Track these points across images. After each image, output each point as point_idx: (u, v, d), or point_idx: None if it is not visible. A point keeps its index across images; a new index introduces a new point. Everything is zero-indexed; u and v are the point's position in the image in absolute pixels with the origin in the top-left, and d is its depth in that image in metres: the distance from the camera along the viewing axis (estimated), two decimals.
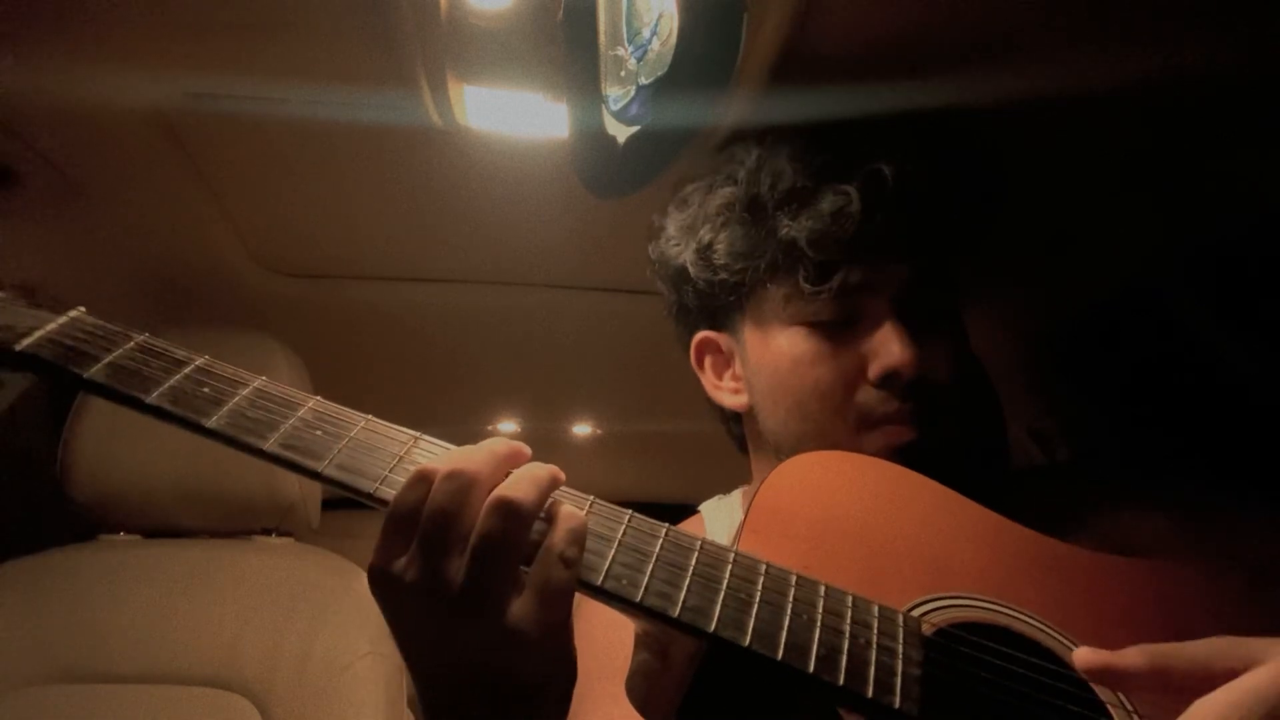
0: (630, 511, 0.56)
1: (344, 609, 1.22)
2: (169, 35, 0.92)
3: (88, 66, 0.96)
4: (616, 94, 0.82)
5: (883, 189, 0.72)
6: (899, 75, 0.77)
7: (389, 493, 0.54)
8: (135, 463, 1.24)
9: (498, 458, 0.53)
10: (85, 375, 0.56)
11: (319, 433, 0.56)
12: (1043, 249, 1.06)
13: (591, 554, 0.53)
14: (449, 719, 0.54)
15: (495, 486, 0.52)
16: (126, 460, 1.24)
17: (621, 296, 1.50)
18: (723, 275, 0.77)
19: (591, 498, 0.56)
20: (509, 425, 2.23)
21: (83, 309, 0.60)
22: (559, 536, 0.52)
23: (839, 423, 0.73)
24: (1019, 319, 1.20)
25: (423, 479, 0.52)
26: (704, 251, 0.78)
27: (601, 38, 0.82)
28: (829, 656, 0.51)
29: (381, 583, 0.51)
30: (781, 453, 0.78)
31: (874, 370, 0.72)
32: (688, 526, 0.57)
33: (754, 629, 0.51)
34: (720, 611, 0.51)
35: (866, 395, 0.73)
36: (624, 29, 0.80)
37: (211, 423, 0.55)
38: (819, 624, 0.52)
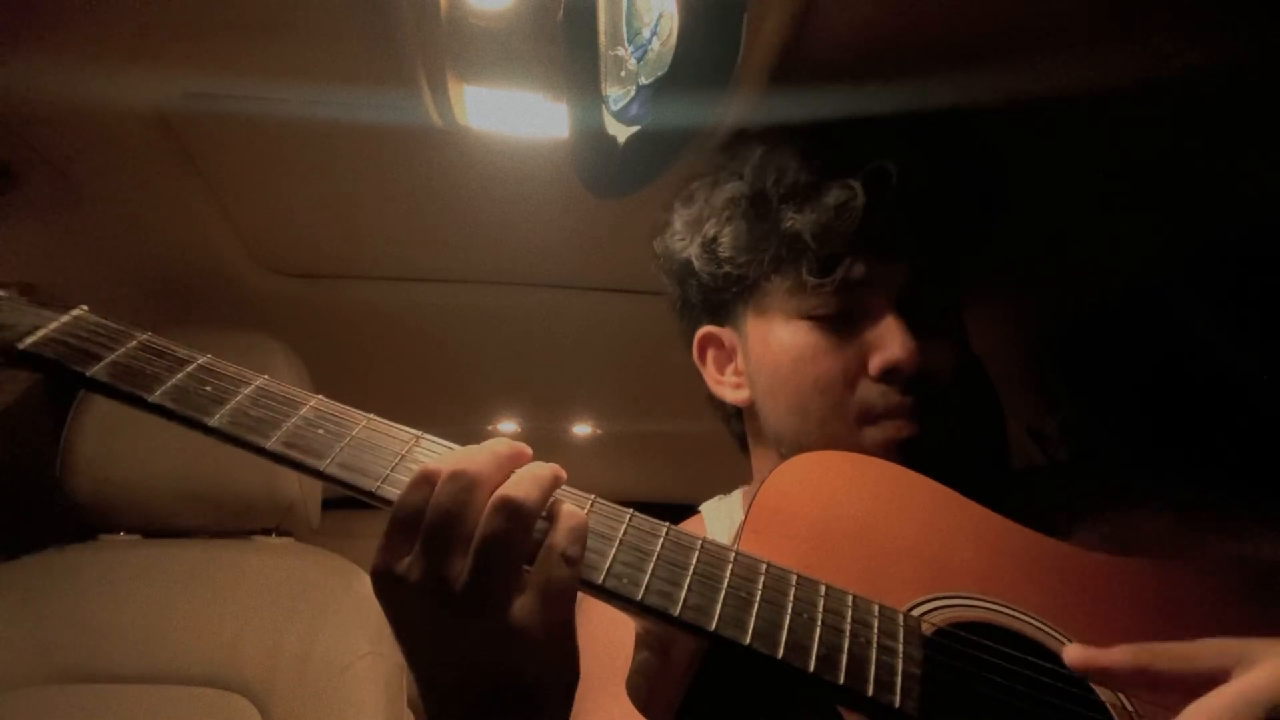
0: (631, 510, 0.56)
1: (344, 609, 1.22)
2: (169, 35, 0.92)
3: (88, 66, 0.96)
4: (616, 94, 0.82)
5: (887, 185, 0.72)
6: (899, 75, 0.77)
7: (391, 491, 0.54)
8: (135, 463, 1.24)
9: (500, 458, 0.53)
10: (88, 374, 0.56)
11: (321, 431, 0.56)
12: (1044, 249, 1.06)
13: (593, 553, 0.53)
14: (452, 719, 0.54)
15: (498, 486, 0.52)
16: (127, 460, 1.24)
17: (621, 296, 1.50)
18: (727, 269, 0.78)
19: (593, 497, 0.56)
20: (509, 425, 2.23)
21: (85, 308, 0.60)
22: (561, 535, 0.52)
23: (839, 417, 0.73)
24: (1020, 319, 1.20)
25: (426, 480, 0.52)
26: (709, 245, 0.79)
27: (601, 38, 0.83)
28: (829, 656, 0.51)
29: (385, 583, 0.51)
30: (782, 447, 0.78)
31: (874, 365, 0.72)
32: (688, 526, 0.57)
33: (755, 628, 0.51)
34: (721, 610, 0.52)
35: (867, 390, 0.73)
36: (624, 29, 0.80)
37: (214, 421, 0.55)
38: (819, 623, 0.52)
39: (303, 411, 0.57)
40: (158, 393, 0.56)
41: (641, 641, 0.57)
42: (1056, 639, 0.57)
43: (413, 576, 0.50)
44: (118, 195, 1.23)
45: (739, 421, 0.88)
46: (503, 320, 1.62)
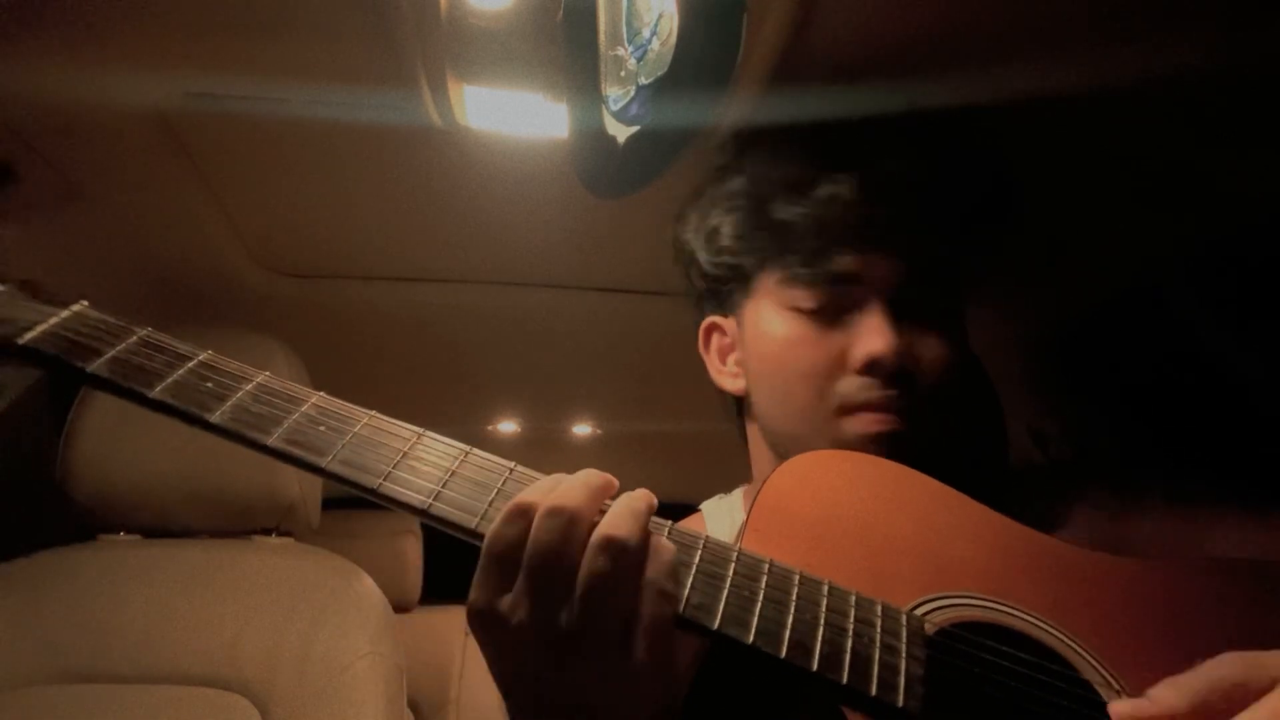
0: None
1: (344, 609, 1.21)
2: (169, 35, 0.92)
3: (88, 66, 0.96)
4: (616, 94, 0.82)
5: (879, 182, 0.73)
6: (899, 75, 0.77)
7: (393, 489, 0.54)
8: (136, 462, 1.24)
9: (594, 490, 0.53)
10: (88, 369, 0.56)
11: (322, 428, 0.56)
12: (1044, 249, 1.06)
13: None
14: None
15: (593, 520, 0.51)
16: (127, 460, 1.24)
17: (621, 296, 1.50)
18: (725, 258, 0.81)
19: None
20: (509, 425, 2.23)
21: (85, 303, 0.60)
22: (659, 571, 0.51)
23: (820, 407, 0.74)
24: (1020, 319, 1.21)
25: (520, 513, 0.51)
26: (710, 235, 0.82)
27: (601, 38, 0.82)
28: (832, 654, 0.51)
29: (486, 620, 0.51)
30: (769, 436, 0.80)
31: (856, 357, 0.73)
32: (688, 525, 0.57)
33: (758, 627, 0.51)
34: (724, 609, 0.52)
35: (848, 383, 0.74)
36: (624, 29, 0.80)
37: (215, 418, 0.55)
38: (822, 622, 0.52)
39: (304, 408, 0.57)
40: (158, 389, 0.56)
41: None
42: (1058, 638, 0.57)
43: (517, 617, 0.50)
44: (118, 195, 1.23)
45: (738, 413, 0.89)
46: (503, 320, 1.62)
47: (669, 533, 0.55)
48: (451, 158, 1.13)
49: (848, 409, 0.73)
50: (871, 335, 0.73)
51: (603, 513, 0.52)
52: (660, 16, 0.75)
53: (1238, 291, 0.99)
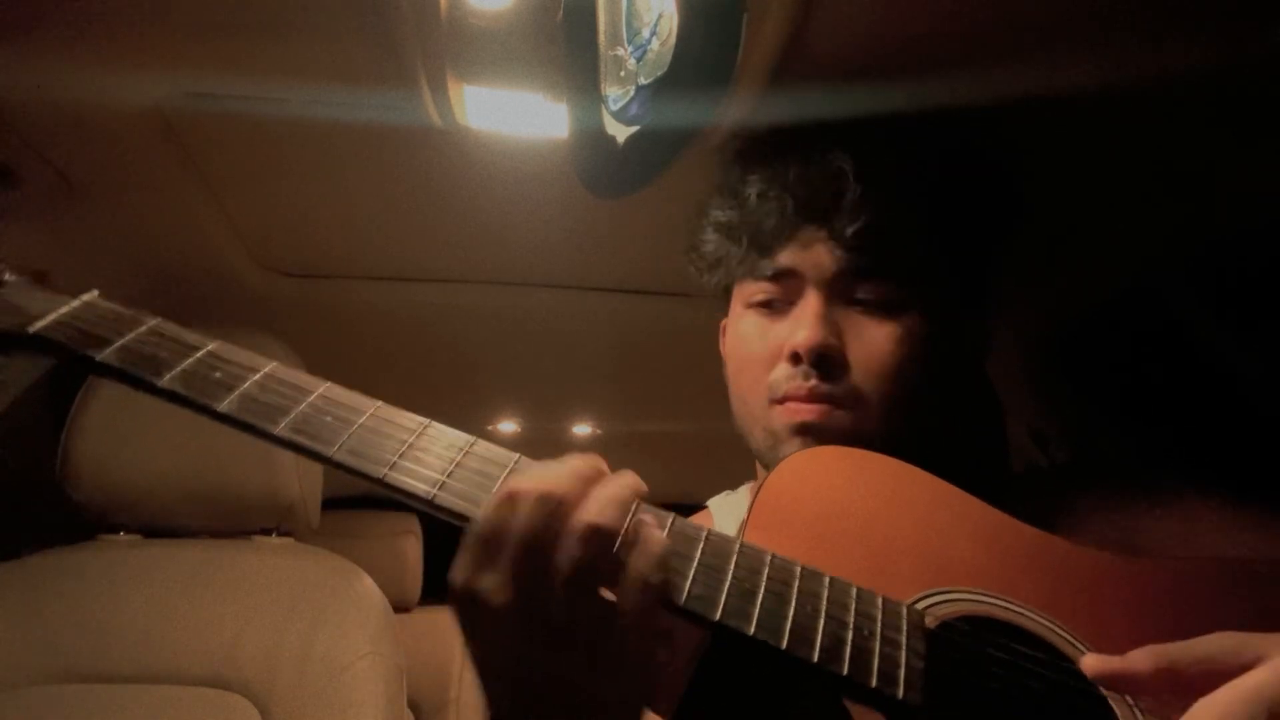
0: (638, 501, 0.56)
1: (344, 609, 1.22)
2: (169, 35, 0.92)
3: (88, 66, 0.96)
4: (616, 94, 0.82)
5: (817, 174, 0.75)
6: (899, 75, 0.77)
7: (399, 478, 0.54)
8: (136, 462, 1.24)
9: (584, 478, 0.53)
10: (98, 358, 0.56)
11: (329, 418, 0.56)
12: (1045, 249, 1.06)
13: None
14: None
15: (581, 508, 0.51)
16: (127, 459, 1.24)
17: (621, 296, 1.50)
18: (709, 261, 0.84)
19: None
20: (509, 425, 2.23)
21: (96, 293, 0.61)
22: (644, 562, 0.51)
23: (755, 397, 0.77)
24: (1020, 319, 1.21)
25: (511, 499, 0.51)
26: (698, 242, 0.85)
27: (601, 38, 0.83)
28: (833, 647, 0.51)
29: (467, 601, 0.51)
30: (736, 427, 0.82)
31: (784, 348, 0.74)
32: (696, 521, 0.57)
33: (759, 618, 0.51)
34: (726, 600, 0.52)
35: (778, 372, 0.75)
36: (624, 29, 0.81)
37: (223, 407, 0.55)
38: (823, 614, 0.53)
39: (311, 398, 0.57)
40: (167, 377, 0.56)
41: None
42: (1058, 633, 0.58)
43: (497, 600, 0.50)
44: (118, 195, 1.23)
45: None
46: (503, 320, 1.62)
47: (672, 525, 0.55)
48: (451, 158, 1.13)
49: (774, 398, 0.75)
50: (796, 325, 0.74)
51: None
52: (660, 16, 0.75)
53: (1238, 291, 0.99)
